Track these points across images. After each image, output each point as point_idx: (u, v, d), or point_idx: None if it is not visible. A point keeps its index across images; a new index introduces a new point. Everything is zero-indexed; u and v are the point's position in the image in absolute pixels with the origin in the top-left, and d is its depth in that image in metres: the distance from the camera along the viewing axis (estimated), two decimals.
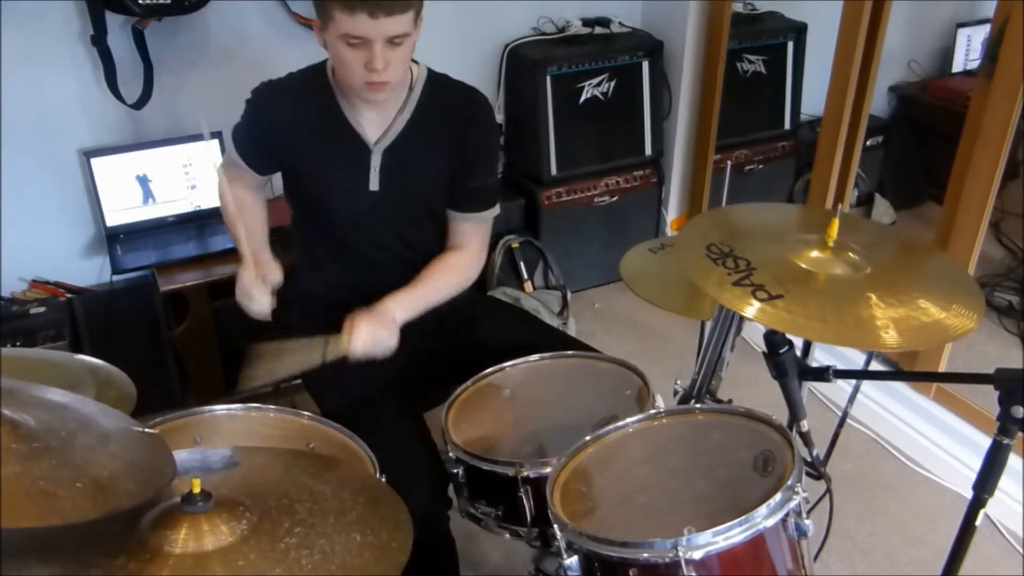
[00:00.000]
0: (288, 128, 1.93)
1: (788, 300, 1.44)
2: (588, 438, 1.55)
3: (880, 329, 1.40)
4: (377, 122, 1.92)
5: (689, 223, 1.73)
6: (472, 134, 1.97)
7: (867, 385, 2.92)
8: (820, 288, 1.51)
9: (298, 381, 2.73)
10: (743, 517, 1.27)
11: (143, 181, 2.81)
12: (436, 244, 2.06)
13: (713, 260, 1.53)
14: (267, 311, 1.85)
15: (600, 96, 3.41)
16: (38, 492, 1.01)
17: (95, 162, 2.73)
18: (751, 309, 1.43)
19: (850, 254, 1.57)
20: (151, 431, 1.29)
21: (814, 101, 3.59)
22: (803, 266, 1.54)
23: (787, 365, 1.53)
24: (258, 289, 1.84)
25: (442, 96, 1.96)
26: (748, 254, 1.55)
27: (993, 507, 2.43)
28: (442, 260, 2.02)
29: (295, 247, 2.16)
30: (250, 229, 1.90)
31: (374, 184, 1.94)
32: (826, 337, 1.43)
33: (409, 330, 1.97)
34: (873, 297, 1.46)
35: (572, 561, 1.37)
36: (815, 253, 1.57)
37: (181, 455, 1.34)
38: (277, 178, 2.09)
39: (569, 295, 3.45)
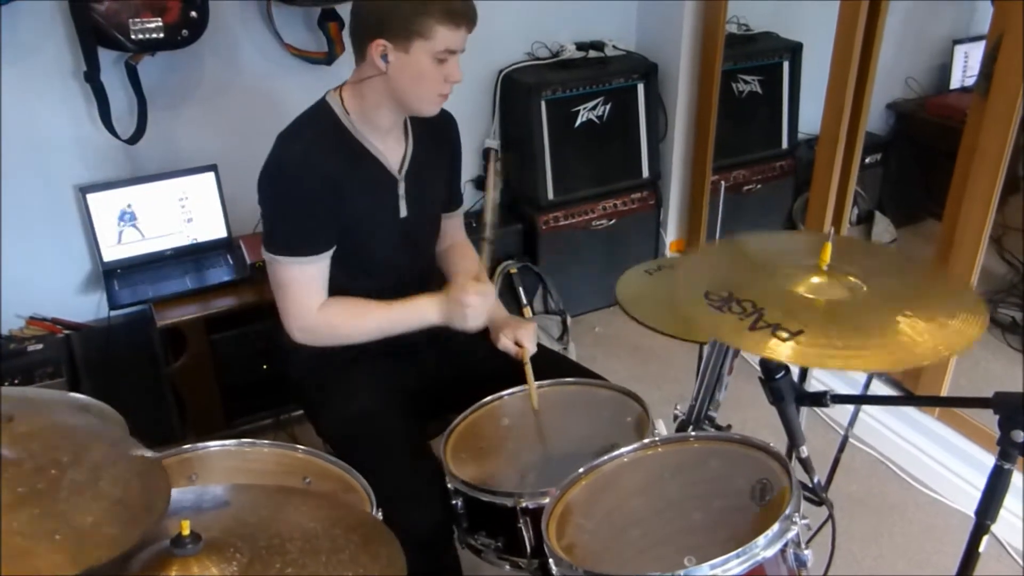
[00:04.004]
0: (334, 179, 1.84)
1: (810, 335, 1.35)
2: (582, 470, 1.53)
3: (918, 344, 1.34)
4: (395, 150, 1.96)
5: (680, 272, 1.63)
6: (454, 145, 2.13)
7: (872, 406, 2.89)
8: (835, 316, 1.42)
9: (299, 412, 2.74)
10: (740, 549, 1.25)
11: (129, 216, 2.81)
12: (433, 261, 2.19)
13: (717, 308, 1.43)
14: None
15: (596, 120, 3.41)
16: (12, 550, 0.98)
17: (91, 198, 2.73)
18: (784, 349, 1.33)
19: (850, 278, 1.50)
20: (149, 455, 1.27)
21: (811, 120, 3.58)
22: (808, 296, 1.46)
23: (784, 391, 1.50)
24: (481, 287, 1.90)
25: (426, 117, 2.00)
26: (749, 294, 1.45)
27: (1001, 528, 2.41)
28: (462, 247, 2.22)
29: None
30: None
31: (403, 211, 1.99)
32: (873, 364, 1.37)
33: (410, 354, 1.97)
34: (901, 317, 1.38)
35: None
36: (815, 280, 1.49)
37: (172, 494, 1.32)
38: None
39: (569, 319, 3.43)
